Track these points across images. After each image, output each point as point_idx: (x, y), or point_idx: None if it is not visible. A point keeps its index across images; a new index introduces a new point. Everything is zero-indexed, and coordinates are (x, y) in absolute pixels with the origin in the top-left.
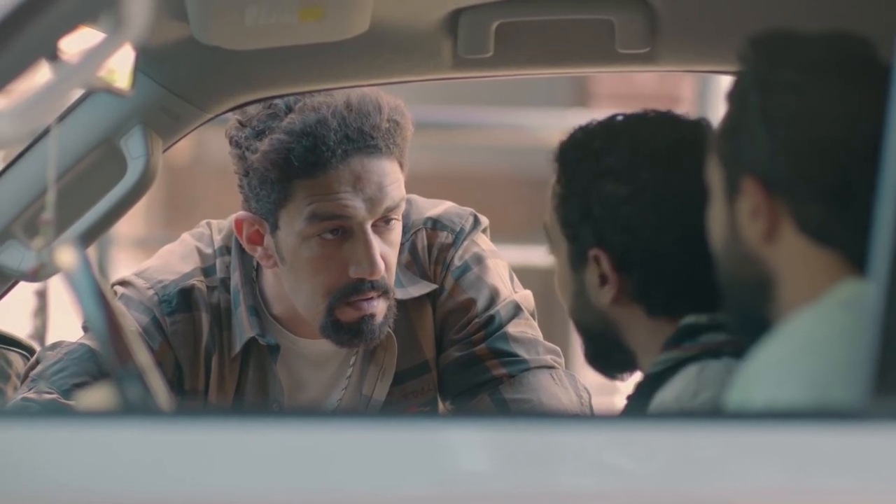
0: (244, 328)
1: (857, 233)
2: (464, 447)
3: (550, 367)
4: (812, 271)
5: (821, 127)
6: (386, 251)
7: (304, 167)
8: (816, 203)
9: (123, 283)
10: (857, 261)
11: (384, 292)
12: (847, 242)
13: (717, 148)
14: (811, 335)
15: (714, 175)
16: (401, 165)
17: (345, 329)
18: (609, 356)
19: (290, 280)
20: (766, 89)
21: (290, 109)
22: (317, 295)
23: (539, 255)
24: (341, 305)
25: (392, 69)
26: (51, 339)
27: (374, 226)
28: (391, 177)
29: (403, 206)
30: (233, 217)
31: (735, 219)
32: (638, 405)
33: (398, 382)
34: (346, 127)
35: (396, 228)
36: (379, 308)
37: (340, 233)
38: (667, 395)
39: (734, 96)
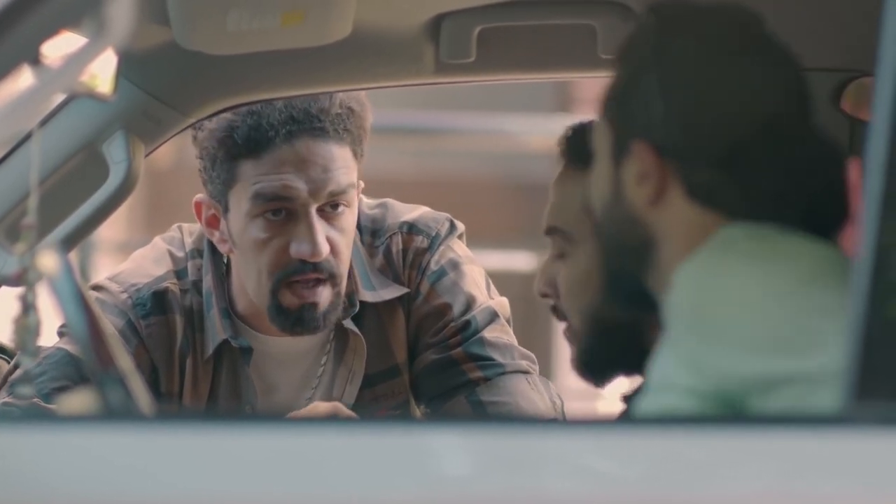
0: (217, 330)
1: (742, 197)
2: (446, 451)
3: (526, 372)
4: (695, 233)
5: (714, 95)
6: (334, 236)
7: (247, 145)
8: (706, 168)
9: (97, 287)
10: (742, 221)
11: (329, 277)
12: (731, 205)
13: (605, 110)
14: (703, 282)
15: (601, 136)
16: (355, 154)
17: (286, 314)
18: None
19: (241, 264)
20: (663, 56)
21: None
22: (262, 276)
23: (521, 260)
24: (283, 289)
25: (374, 74)
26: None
27: (320, 210)
28: (338, 162)
29: (353, 194)
30: (194, 200)
31: (620, 181)
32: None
33: (368, 385)
34: (292, 107)
35: (346, 215)
36: (322, 296)
37: (284, 214)
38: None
39: (626, 60)
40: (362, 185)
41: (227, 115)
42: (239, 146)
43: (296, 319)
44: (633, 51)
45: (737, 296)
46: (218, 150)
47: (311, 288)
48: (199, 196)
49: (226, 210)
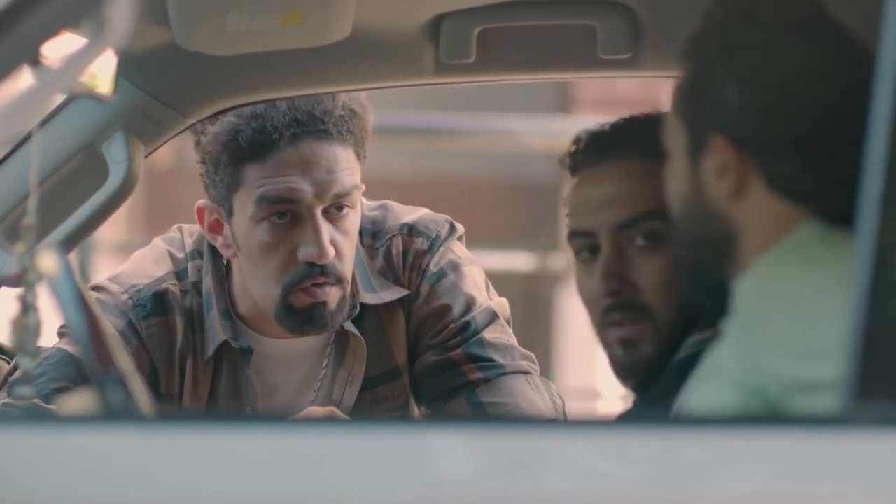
0: (217, 331)
1: (825, 187)
2: (446, 452)
3: (526, 373)
4: (777, 226)
5: (787, 83)
6: (338, 238)
7: (252, 149)
8: (786, 159)
9: (97, 288)
10: (823, 214)
11: (337, 280)
12: (814, 196)
13: (679, 106)
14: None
15: (675, 133)
16: (357, 155)
17: (296, 314)
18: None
19: (246, 268)
20: (734, 48)
21: None
22: (270, 281)
23: (521, 260)
24: (295, 291)
25: (374, 74)
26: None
27: (325, 212)
28: (342, 164)
29: (357, 195)
30: (196, 205)
31: (698, 177)
32: (661, 400)
33: (368, 387)
34: (296, 110)
35: (350, 216)
36: (332, 296)
37: (289, 217)
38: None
39: (696, 55)
40: (363, 187)
41: (231, 118)
42: (243, 149)
43: (305, 319)
44: (701, 45)
45: (793, 301)
46: (222, 154)
47: (320, 287)
48: (202, 202)
49: (230, 214)
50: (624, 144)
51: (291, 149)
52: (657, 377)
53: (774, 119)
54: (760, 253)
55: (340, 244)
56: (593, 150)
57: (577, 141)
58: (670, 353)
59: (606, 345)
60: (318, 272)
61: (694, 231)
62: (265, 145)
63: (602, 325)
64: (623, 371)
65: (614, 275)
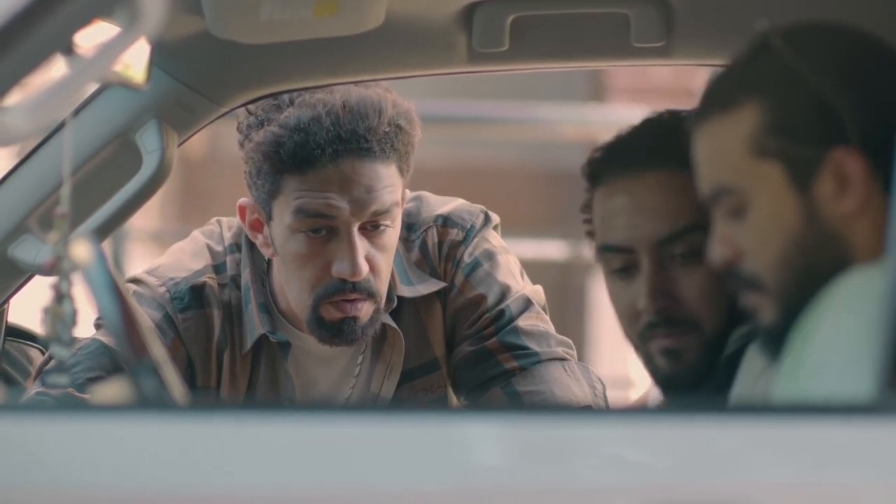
0: (255, 325)
1: None
2: (479, 441)
3: (562, 360)
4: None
5: (881, 83)
6: (374, 255)
7: (293, 162)
8: None
9: (135, 280)
10: None
11: (369, 295)
12: None
13: (765, 148)
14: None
15: (760, 179)
16: (400, 171)
17: (327, 327)
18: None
19: (282, 272)
20: (820, 65)
21: (291, 103)
22: (303, 291)
23: (554, 249)
24: (324, 304)
25: (407, 63)
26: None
27: (362, 228)
28: (384, 181)
29: (396, 212)
30: (238, 203)
31: (812, 206)
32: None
33: (408, 380)
34: (339, 127)
35: (388, 233)
36: (363, 311)
37: (325, 231)
38: (749, 374)
39: (769, 88)
40: (408, 192)
41: (275, 128)
42: (284, 162)
43: (335, 332)
44: (770, 76)
45: (845, 332)
46: (263, 163)
47: (351, 302)
48: (244, 200)
49: (269, 218)
50: (654, 154)
51: (332, 165)
52: (702, 383)
53: (886, 113)
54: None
55: (376, 260)
56: (622, 160)
57: (600, 149)
58: (715, 358)
59: (647, 356)
60: (350, 288)
61: (805, 268)
62: (306, 160)
63: (644, 338)
64: (666, 380)
65: (659, 292)
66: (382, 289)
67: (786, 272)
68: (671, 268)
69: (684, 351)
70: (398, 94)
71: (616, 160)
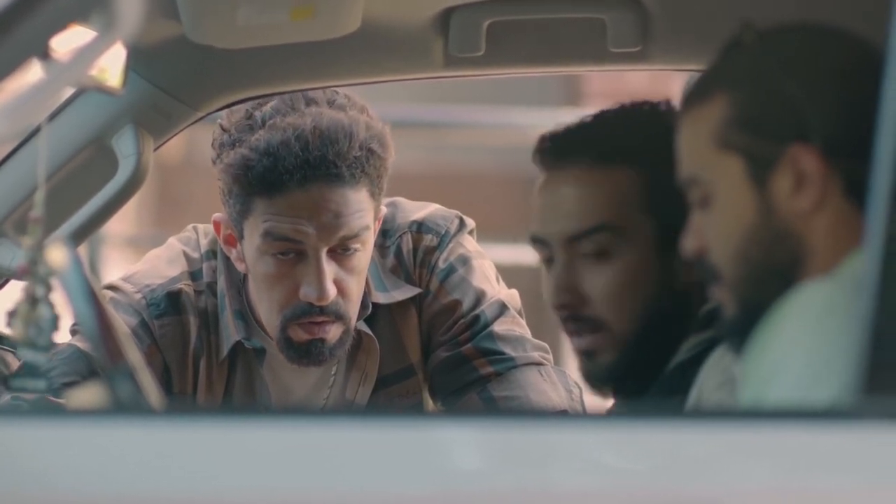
0: (230, 332)
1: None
2: (457, 446)
3: (538, 364)
4: (848, 240)
5: (858, 77)
6: (343, 278)
7: (261, 186)
8: (860, 161)
9: (111, 287)
10: None
11: (337, 318)
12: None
13: (727, 139)
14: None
15: (721, 171)
16: (371, 194)
17: (295, 348)
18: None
19: (253, 289)
20: (789, 64)
21: (263, 124)
22: (272, 311)
23: (530, 254)
24: (293, 325)
25: (383, 67)
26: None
27: (331, 251)
28: (353, 206)
29: (366, 236)
30: (213, 217)
31: (769, 199)
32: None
33: (383, 386)
34: (308, 152)
35: (358, 256)
36: (331, 333)
37: (293, 254)
38: (707, 384)
39: (741, 83)
40: (383, 210)
41: (244, 150)
42: (253, 185)
43: (303, 353)
44: (738, 71)
45: (800, 343)
46: (233, 185)
47: (319, 325)
48: (218, 215)
49: (241, 236)
50: (582, 148)
51: (300, 190)
52: (642, 385)
53: (852, 116)
54: (825, 271)
55: (345, 283)
56: (554, 152)
57: (543, 139)
58: (637, 362)
59: (574, 353)
60: (318, 311)
61: (759, 263)
62: (274, 184)
63: (565, 333)
64: (589, 380)
65: (563, 288)
66: (352, 310)
67: (742, 266)
68: (579, 264)
69: (597, 352)
70: (374, 109)
71: (549, 151)
